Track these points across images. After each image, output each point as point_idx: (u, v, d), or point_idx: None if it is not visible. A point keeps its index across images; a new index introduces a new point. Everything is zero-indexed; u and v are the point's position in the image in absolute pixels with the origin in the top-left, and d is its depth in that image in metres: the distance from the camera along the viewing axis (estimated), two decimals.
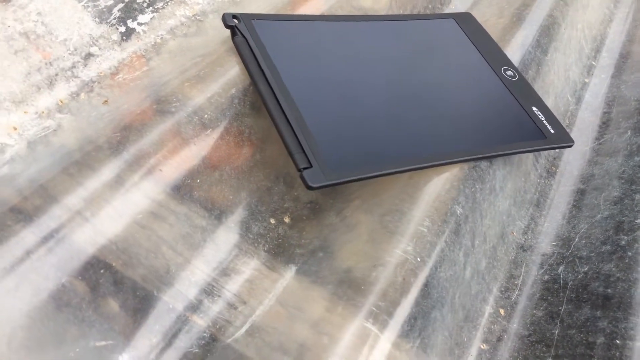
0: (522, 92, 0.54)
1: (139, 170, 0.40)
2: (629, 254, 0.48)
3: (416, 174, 0.45)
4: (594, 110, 0.69)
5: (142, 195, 0.40)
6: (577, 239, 0.51)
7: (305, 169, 0.39)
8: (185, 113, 0.42)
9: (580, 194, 0.57)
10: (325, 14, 0.59)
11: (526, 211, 0.54)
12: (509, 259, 0.50)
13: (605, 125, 0.66)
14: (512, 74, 0.55)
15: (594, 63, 0.77)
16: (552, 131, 0.51)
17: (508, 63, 0.56)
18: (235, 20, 0.47)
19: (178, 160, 0.41)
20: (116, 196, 0.39)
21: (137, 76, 0.47)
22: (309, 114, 0.42)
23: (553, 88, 0.65)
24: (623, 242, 0.49)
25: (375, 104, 0.46)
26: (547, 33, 0.66)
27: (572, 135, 0.65)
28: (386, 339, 0.36)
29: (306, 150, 0.40)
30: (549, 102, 0.63)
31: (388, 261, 0.38)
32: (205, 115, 0.42)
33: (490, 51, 0.57)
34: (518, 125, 0.51)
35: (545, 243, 0.52)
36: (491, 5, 0.73)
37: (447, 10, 0.72)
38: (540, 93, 0.61)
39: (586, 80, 0.73)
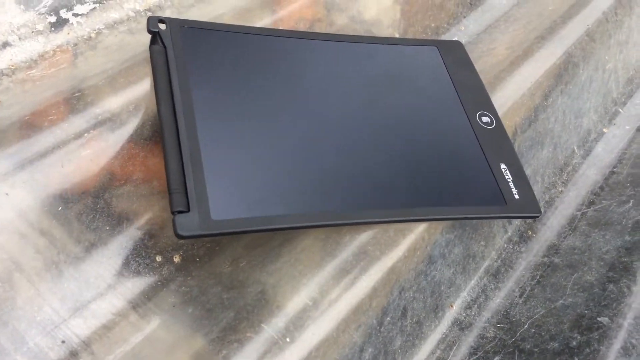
0: (494, 144, 0.46)
1: (10, 182, 0.36)
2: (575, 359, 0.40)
3: (330, 231, 0.39)
4: (601, 167, 0.60)
5: (10, 211, 0.36)
6: (526, 326, 0.44)
7: (180, 212, 0.34)
8: (76, 126, 0.38)
9: (550, 269, 0.49)
10: (312, 23, 0.53)
11: (478, 281, 0.47)
12: (437, 337, 0.43)
13: (608, 188, 0.57)
14: (489, 121, 0.48)
15: (620, 110, 0.67)
16: (517, 197, 0.44)
17: (488, 107, 0.49)
18: (162, 26, 0.42)
19: (57, 179, 0.37)
20: None
21: (51, 73, 0.43)
22: (210, 149, 0.37)
23: (552, 137, 0.56)
24: (574, 343, 0.41)
25: (302, 146, 0.40)
26: (557, 73, 0.57)
27: (567, 195, 0.57)
28: None
29: (189, 190, 0.35)
30: (543, 154, 0.55)
31: (248, 337, 0.33)
32: (93, 131, 0.38)
33: (470, 90, 0.49)
34: (476, 184, 0.43)
35: (489, 323, 0.45)
36: (506, 32, 0.65)
37: (453, 31, 0.64)
38: (529, 143, 0.53)
39: (605, 129, 0.64)
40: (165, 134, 0.36)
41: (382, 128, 0.43)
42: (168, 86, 0.39)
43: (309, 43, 0.46)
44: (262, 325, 0.33)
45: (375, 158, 0.41)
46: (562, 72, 0.58)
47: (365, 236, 0.39)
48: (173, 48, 0.40)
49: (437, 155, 0.44)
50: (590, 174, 0.59)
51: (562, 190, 0.56)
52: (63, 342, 0.34)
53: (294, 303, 0.35)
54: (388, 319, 0.38)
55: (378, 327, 0.38)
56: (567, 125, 0.59)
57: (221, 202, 0.35)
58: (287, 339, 0.33)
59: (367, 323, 0.37)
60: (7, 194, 0.33)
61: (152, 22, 0.41)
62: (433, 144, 0.44)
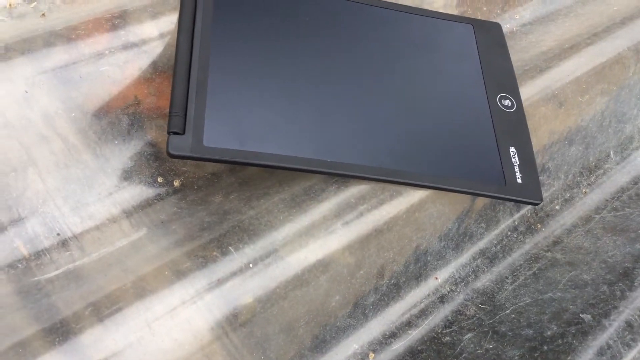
0: (508, 127, 0.46)
1: (30, 82, 0.39)
2: (545, 348, 0.40)
3: (319, 178, 0.41)
4: (635, 177, 0.58)
5: (38, 114, 0.39)
6: (508, 311, 0.44)
7: (175, 133, 0.37)
8: (102, 44, 0.41)
9: (550, 264, 0.48)
10: None
11: (471, 261, 0.47)
12: (413, 302, 0.44)
13: (637, 197, 0.55)
14: (510, 104, 0.47)
15: None
16: (520, 181, 0.43)
17: (512, 91, 0.48)
18: None
19: (75, 89, 0.40)
20: (11, 108, 0.39)
21: None
22: (217, 81, 0.39)
23: (584, 136, 0.55)
24: (548, 333, 0.41)
25: (310, 95, 0.42)
26: (600, 72, 0.56)
27: (590, 196, 0.55)
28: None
29: (189, 114, 0.37)
30: (570, 151, 0.54)
31: (214, 256, 0.35)
32: (117, 52, 0.41)
33: (497, 72, 0.49)
34: (479, 161, 0.43)
35: (472, 302, 0.45)
36: (562, 27, 0.63)
37: (506, 18, 0.63)
38: (556, 137, 0.52)
39: None
40: (178, 59, 0.39)
41: (397, 92, 0.44)
42: (192, 18, 0.41)
43: (343, 3, 0.47)
44: (230, 248, 0.35)
45: (380, 117, 0.42)
46: (607, 72, 0.56)
47: (353, 189, 0.40)
48: None
49: (445, 125, 0.44)
50: (620, 181, 0.57)
51: (585, 192, 0.55)
52: (58, 234, 0.38)
53: (266, 236, 0.36)
54: (362, 272, 0.40)
55: (349, 279, 0.39)
56: (605, 128, 0.57)
57: (216, 131, 0.37)
58: (251, 266, 0.35)
59: (336, 271, 0.38)
60: (26, 91, 0.37)
61: None
62: (444, 114, 0.45)
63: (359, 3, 0.48)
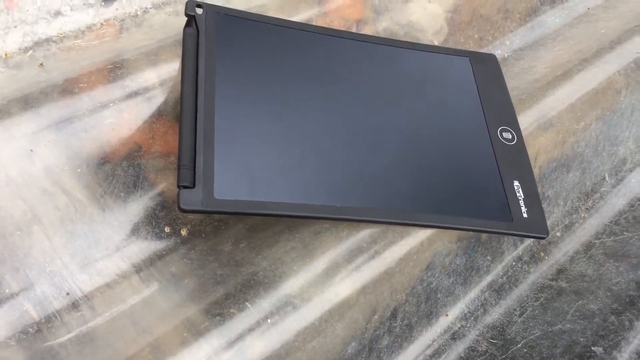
0: (511, 160, 0.46)
1: (35, 139, 0.39)
2: None
3: (329, 224, 0.40)
4: (631, 199, 0.58)
5: (42, 171, 0.39)
6: (520, 345, 0.44)
7: (185, 187, 0.36)
8: (105, 96, 0.41)
9: (556, 293, 0.48)
10: (360, 21, 0.54)
11: (479, 294, 0.47)
12: (426, 343, 0.43)
13: (633, 220, 0.56)
14: (510, 137, 0.48)
15: None
16: (525, 215, 0.44)
17: (511, 123, 0.48)
18: (199, 10, 0.44)
19: (79, 143, 0.39)
20: (15, 165, 0.38)
21: (94, 45, 0.46)
22: (224, 131, 0.39)
23: (581, 162, 0.56)
24: None
25: (315, 140, 0.41)
26: (594, 98, 0.56)
27: (589, 221, 0.56)
28: None
29: (198, 167, 0.37)
30: (568, 177, 0.55)
31: (231, 313, 0.35)
32: (120, 102, 0.40)
33: (496, 105, 0.49)
34: (485, 197, 0.44)
35: (483, 337, 0.45)
36: (551, 51, 0.64)
37: (497, 44, 0.64)
38: (554, 165, 0.53)
39: None
40: (183, 111, 0.39)
41: (399, 131, 0.44)
42: (194, 67, 0.41)
43: (340, 41, 0.47)
44: (247, 304, 0.35)
45: (385, 158, 0.42)
46: (600, 98, 0.57)
47: (363, 234, 0.40)
48: (205, 32, 0.42)
49: (449, 163, 0.44)
50: (617, 204, 0.57)
51: (584, 217, 0.55)
52: (68, 294, 0.37)
53: (281, 288, 0.36)
54: (376, 316, 0.39)
55: (364, 324, 0.39)
56: (600, 152, 0.58)
57: (226, 183, 0.37)
58: (269, 320, 0.35)
59: (352, 317, 0.38)
60: (31, 150, 0.36)
61: (190, 6, 0.43)
62: (447, 151, 0.45)
63: (360, 41, 0.48)
